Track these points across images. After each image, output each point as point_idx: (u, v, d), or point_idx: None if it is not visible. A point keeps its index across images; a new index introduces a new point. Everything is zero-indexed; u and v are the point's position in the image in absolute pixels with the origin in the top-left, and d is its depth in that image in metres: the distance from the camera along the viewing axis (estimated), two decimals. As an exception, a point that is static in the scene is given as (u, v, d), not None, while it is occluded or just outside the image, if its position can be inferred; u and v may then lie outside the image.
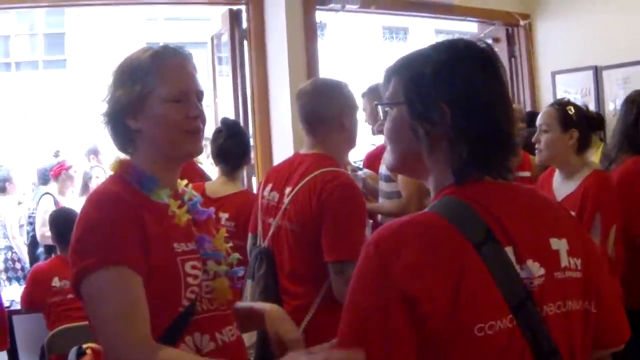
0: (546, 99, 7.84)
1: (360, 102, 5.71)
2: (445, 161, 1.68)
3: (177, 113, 2.18)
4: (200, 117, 2.23)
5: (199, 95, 2.26)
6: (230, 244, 2.42)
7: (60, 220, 5.39)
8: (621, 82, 7.19)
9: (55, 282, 5.00)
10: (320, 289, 3.20)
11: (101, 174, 8.08)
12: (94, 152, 9.23)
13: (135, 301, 1.95)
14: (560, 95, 7.70)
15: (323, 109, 3.41)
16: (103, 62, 21.99)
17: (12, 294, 6.03)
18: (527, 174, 5.56)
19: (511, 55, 8.13)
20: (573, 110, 4.04)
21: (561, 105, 4.11)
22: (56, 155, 8.06)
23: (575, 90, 7.62)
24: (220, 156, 4.64)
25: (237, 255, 2.40)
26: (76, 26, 23.32)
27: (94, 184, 7.90)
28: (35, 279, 5.20)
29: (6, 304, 5.44)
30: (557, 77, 7.91)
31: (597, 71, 7.45)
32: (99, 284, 1.95)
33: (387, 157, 1.83)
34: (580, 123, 4.01)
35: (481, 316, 1.47)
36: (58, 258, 5.35)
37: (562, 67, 7.85)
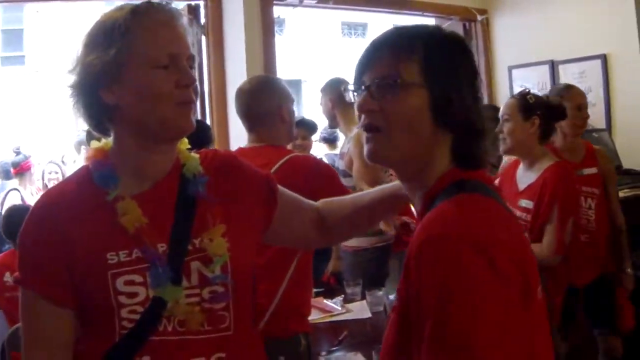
0: (503, 94, 7.94)
1: (318, 97, 5.75)
2: (446, 150, 1.65)
3: (165, 81, 1.77)
4: (193, 86, 1.83)
5: (190, 60, 1.85)
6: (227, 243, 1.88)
7: (14, 218, 5.17)
8: (577, 76, 7.27)
9: (7, 277, 4.86)
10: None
11: (55, 170, 7.98)
12: (84, 143, 9.10)
13: (34, 328, 1.83)
14: (516, 89, 7.75)
15: (265, 105, 3.55)
16: (62, 59, 21.86)
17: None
18: (593, 170, 4.87)
19: (468, 50, 8.18)
20: (533, 99, 4.15)
21: (522, 95, 4.22)
22: (17, 151, 7.97)
23: (531, 84, 7.66)
24: None
25: (222, 259, 1.84)
26: (35, 22, 23.07)
27: (47, 181, 7.81)
28: None
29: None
30: (514, 71, 7.99)
31: (553, 65, 7.53)
32: (21, 299, 1.86)
33: (387, 150, 1.63)
34: (541, 111, 4.11)
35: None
36: (11, 252, 5.15)
37: (519, 62, 7.94)
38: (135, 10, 1.81)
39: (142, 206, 1.83)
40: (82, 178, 1.91)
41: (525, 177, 4.14)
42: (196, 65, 1.92)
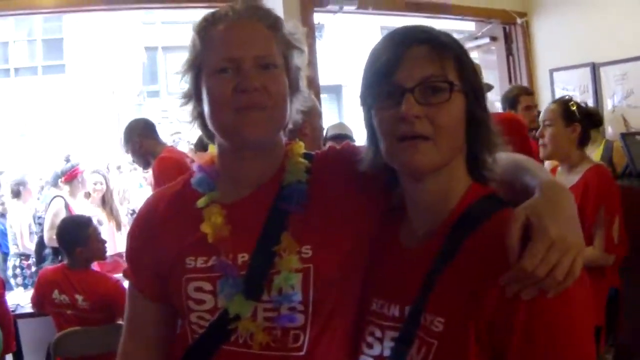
0: (544, 97, 7.87)
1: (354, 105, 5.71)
2: (463, 162, 1.64)
3: (222, 86, 1.71)
4: (257, 90, 1.69)
5: (259, 61, 1.72)
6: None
7: (69, 229, 5.17)
8: (619, 78, 7.20)
9: (55, 294, 4.91)
10: None
11: (100, 180, 8.04)
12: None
13: (130, 318, 1.96)
14: (558, 92, 7.72)
15: None
16: (101, 67, 22.09)
17: (17, 298, 6.03)
18: None
19: (509, 53, 8.15)
20: (575, 106, 4.24)
21: (564, 102, 4.32)
22: (67, 159, 8.07)
23: (573, 87, 7.62)
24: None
25: (295, 277, 1.71)
26: (74, 31, 23.28)
27: (93, 191, 7.90)
28: (40, 285, 5.15)
29: (12, 307, 5.46)
30: (555, 74, 7.92)
31: (594, 68, 7.46)
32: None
33: (435, 160, 1.55)
34: (582, 118, 4.21)
35: None
36: (62, 268, 5.14)
37: (560, 65, 7.87)
38: (201, 21, 1.80)
39: (232, 214, 1.79)
40: (188, 181, 1.92)
41: (565, 180, 4.14)
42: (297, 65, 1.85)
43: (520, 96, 6.28)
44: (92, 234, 5.09)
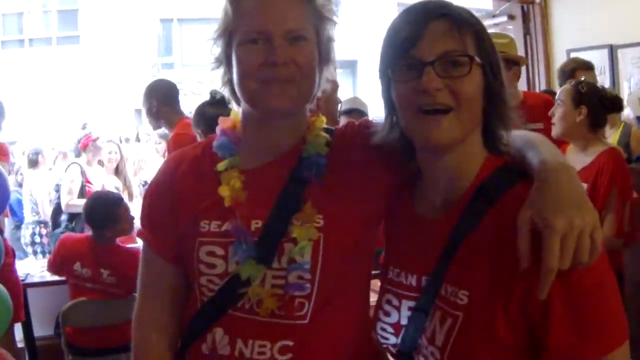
0: (561, 77, 7.81)
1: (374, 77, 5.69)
2: (479, 135, 1.66)
3: (252, 57, 1.72)
4: (285, 64, 1.71)
5: (289, 34, 1.72)
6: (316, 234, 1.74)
7: (100, 207, 5.06)
8: (637, 60, 7.18)
9: (77, 266, 4.85)
10: None
11: (115, 150, 8.08)
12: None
13: (144, 277, 1.97)
14: (575, 73, 7.67)
15: None
16: (116, 38, 22.09)
17: (28, 267, 6.03)
18: None
19: (526, 32, 8.10)
20: (585, 88, 4.19)
21: (577, 83, 4.28)
22: (84, 127, 8.13)
23: (590, 68, 7.58)
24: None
25: (307, 245, 1.72)
26: (89, 3, 23.27)
27: (107, 161, 7.96)
28: (61, 251, 5.07)
29: (21, 277, 5.44)
30: (572, 54, 7.83)
31: (612, 50, 7.42)
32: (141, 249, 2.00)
33: (457, 131, 1.57)
34: (591, 101, 4.16)
35: None
36: (88, 240, 5.05)
37: (578, 46, 7.82)
38: None
39: (251, 181, 1.81)
40: (209, 144, 1.94)
41: (577, 160, 4.12)
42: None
43: (577, 70, 6.13)
44: (122, 213, 5.05)
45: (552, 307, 1.40)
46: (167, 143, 5.72)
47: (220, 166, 1.84)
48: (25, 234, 8.68)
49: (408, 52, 1.55)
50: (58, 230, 7.40)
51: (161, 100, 5.70)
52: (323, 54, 1.85)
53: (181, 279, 1.90)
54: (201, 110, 4.75)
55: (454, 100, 1.53)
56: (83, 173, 7.51)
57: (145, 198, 2.00)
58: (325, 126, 1.94)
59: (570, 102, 4.16)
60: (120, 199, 5.32)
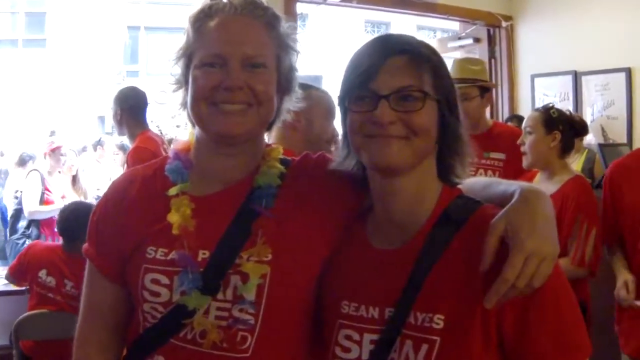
0: (525, 102, 7.90)
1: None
2: (433, 164, 1.69)
3: (206, 80, 1.70)
4: (240, 89, 1.69)
5: (247, 60, 1.71)
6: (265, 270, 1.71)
7: (74, 217, 5.00)
8: (600, 88, 7.22)
9: (43, 274, 4.82)
10: None
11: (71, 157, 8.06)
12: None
13: (87, 297, 1.92)
14: (538, 98, 7.72)
15: None
16: (82, 43, 21.96)
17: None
18: None
19: (491, 55, 8.12)
20: (556, 114, 4.17)
21: (545, 109, 4.25)
22: (52, 134, 8.13)
23: (553, 93, 7.64)
24: None
25: (254, 283, 1.69)
26: (57, 6, 23.13)
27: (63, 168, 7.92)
28: (27, 258, 5.02)
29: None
30: (537, 80, 7.92)
31: (576, 76, 7.46)
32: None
33: (408, 156, 1.59)
34: (563, 126, 4.15)
35: None
36: (58, 249, 5.05)
37: (542, 71, 7.86)
38: (197, 12, 1.79)
39: (200, 209, 1.77)
40: (161, 166, 1.89)
41: (544, 189, 4.08)
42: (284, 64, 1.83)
43: None
44: None
45: (527, 322, 1.49)
46: (127, 154, 5.69)
47: (171, 191, 1.80)
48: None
49: (365, 85, 1.58)
50: (14, 237, 7.35)
51: (127, 109, 5.65)
52: (283, 83, 1.84)
53: (125, 299, 1.85)
54: None
55: (406, 131, 1.57)
56: (43, 180, 7.50)
57: (93, 214, 1.93)
58: (281, 157, 1.90)
59: (542, 128, 4.12)
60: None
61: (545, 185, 4.12)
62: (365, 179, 1.72)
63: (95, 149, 10.93)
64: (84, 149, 11.24)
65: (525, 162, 4.19)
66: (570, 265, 3.88)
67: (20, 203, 7.65)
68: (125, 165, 6.08)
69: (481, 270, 1.47)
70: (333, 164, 1.80)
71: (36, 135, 9.84)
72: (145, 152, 5.22)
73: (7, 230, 7.98)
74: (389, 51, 1.59)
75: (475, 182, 1.77)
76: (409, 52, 1.59)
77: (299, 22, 6.37)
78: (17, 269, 5.03)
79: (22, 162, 8.74)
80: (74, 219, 4.89)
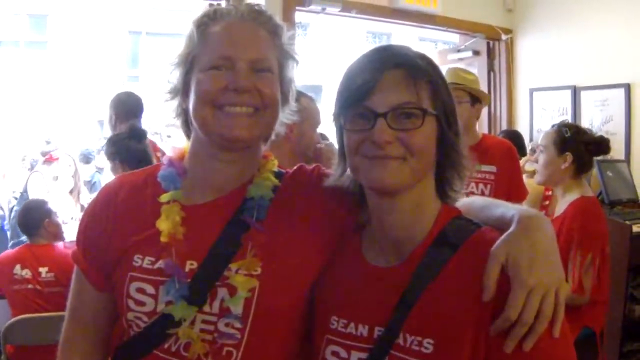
0: (523, 115, 7.89)
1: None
2: (432, 182, 1.66)
3: (212, 82, 1.67)
4: (248, 92, 1.67)
5: (254, 63, 1.69)
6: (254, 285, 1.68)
7: (27, 212, 5.32)
8: (599, 103, 7.20)
9: (17, 269, 4.88)
10: None
11: (69, 163, 8.05)
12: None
13: (73, 302, 1.89)
14: (537, 112, 7.71)
15: None
16: (83, 47, 21.95)
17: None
18: None
19: (490, 68, 8.11)
20: (569, 133, 4.01)
21: (559, 127, 4.09)
22: (48, 142, 8.10)
23: (552, 108, 7.62)
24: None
25: (241, 297, 1.65)
26: (59, 8, 23.12)
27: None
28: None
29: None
30: (535, 94, 7.91)
31: (575, 91, 7.45)
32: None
33: (407, 177, 1.55)
34: (577, 147, 3.98)
35: None
36: (26, 246, 5.19)
37: (541, 85, 7.86)
38: (200, 17, 1.77)
39: (191, 218, 1.74)
40: (152, 173, 1.86)
41: (558, 208, 4.02)
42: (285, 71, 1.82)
43: None
44: (48, 217, 5.24)
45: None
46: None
47: (163, 198, 1.77)
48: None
49: (361, 102, 1.54)
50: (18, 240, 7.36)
51: (121, 115, 5.62)
52: (284, 93, 1.82)
53: (111, 306, 1.83)
54: (125, 145, 4.90)
55: (405, 151, 1.53)
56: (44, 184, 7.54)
57: (82, 219, 1.90)
58: (276, 170, 1.89)
59: (554, 149, 3.99)
60: (43, 204, 5.50)
61: (560, 203, 4.06)
62: (362, 194, 1.69)
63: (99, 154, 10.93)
64: (88, 158, 11.21)
65: (537, 179, 4.12)
66: (570, 291, 3.71)
67: (20, 204, 7.54)
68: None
69: (484, 301, 1.43)
70: (329, 181, 1.76)
71: (35, 138, 9.80)
72: None
73: (9, 233, 7.94)
74: (384, 65, 1.55)
75: (472, 201, 1.75)
76: (405, 65, 1.55)
77: (300, 31, 6.37)
78: None
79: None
80: (27, 214, 5.25)
